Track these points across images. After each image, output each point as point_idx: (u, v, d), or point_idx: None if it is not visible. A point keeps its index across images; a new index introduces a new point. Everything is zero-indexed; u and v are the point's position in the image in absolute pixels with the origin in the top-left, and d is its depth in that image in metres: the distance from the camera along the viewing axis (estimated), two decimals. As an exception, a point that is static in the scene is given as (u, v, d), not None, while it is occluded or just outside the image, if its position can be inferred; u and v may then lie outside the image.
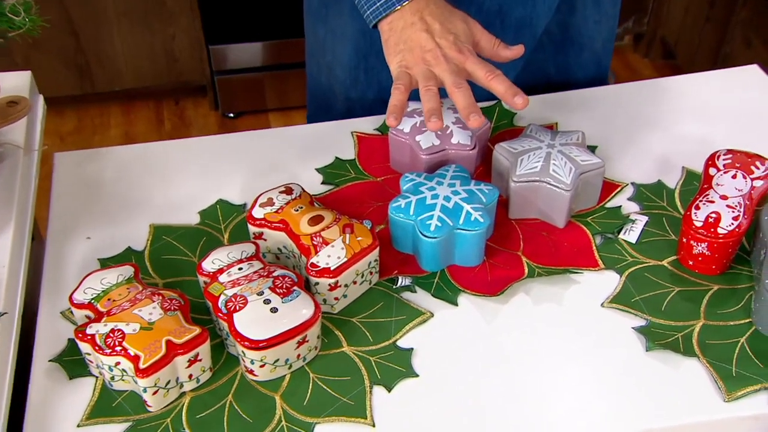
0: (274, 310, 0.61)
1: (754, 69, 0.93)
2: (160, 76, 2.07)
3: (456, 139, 0.78)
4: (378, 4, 0.74)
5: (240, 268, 0.64)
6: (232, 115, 2.11)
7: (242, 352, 0.61)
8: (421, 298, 0.70)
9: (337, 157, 0.83)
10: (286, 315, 0.61)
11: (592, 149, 0.83)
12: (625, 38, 2.38)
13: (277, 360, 0.61)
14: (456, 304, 0.69)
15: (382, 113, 0.89)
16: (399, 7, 0.73)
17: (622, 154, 0.83)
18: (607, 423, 0.60)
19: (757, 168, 0.71)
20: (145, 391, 0.59)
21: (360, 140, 0.86)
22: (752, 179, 0.70)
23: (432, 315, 0.68)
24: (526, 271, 0.72)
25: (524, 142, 0.77)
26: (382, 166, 0.83)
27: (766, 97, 0.89)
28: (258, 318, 0.60)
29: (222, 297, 0.62)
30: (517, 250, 0.74)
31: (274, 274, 0.64)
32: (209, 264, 0.65)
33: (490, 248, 0.74)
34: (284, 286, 0.63)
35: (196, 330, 0.60)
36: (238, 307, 0.61)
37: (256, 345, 0.60)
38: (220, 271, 0.64)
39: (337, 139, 0.86)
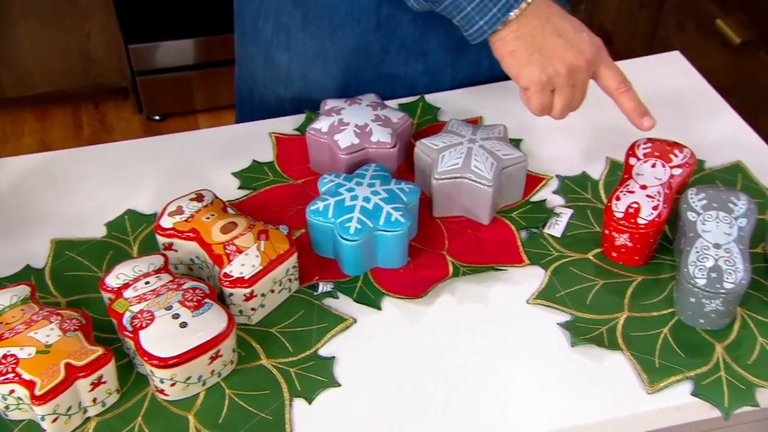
0: (183, 324, 0.58)
1: (675, 55, 0.94)
2: (76, 79, 1.98)
3: (376, 137, 0.76)
4: (493, 11, 0.66)
5: (147, 282, 0.61)
6: (158, 117, 2.05)
7: (151, 371, 0.57)
8: (343, 304, 0.67)
9: (254, 160, 0.80)
10: (196, 329, 0.58)
11: (516, 143, 0.82)
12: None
13: (189, 377, 0.58)
14: (380, 309, 0.67)
15: (301, 111, 0.87)
16: (517, 12, 0.66)
17: (547, 146, 0.82)
18: (532, 421, 0.59)
19: (676, 156, 0.71)
20: (43, 419, 0.55)
21: (279, 141, 0.83)
22: (671, 168, 0.70)
23: (355, 321, 0.66)
24: (451, 270, 0.70)
25: (445, 138, 0.75)
26: (302, 168, 0.80)
27: (687, 84, 0.89)
28: (166, 334, 0.57)
29: (127, 314, 0.58)
30: (441, 250, 0.72)
31: (184, 286, 0.61)
32: (113, 279, 0.61)
33: (415, 248, 0.72)
34: (195, 299, 0.59)
35: (99, 350, 0.56)
36: (144, 324, 0.57)
37: (164, 363, 0.56)
38: (126, 286, 0.60)
39: (255, 141, 0.82)
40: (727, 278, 0.60)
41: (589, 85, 0.70)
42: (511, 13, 0.66)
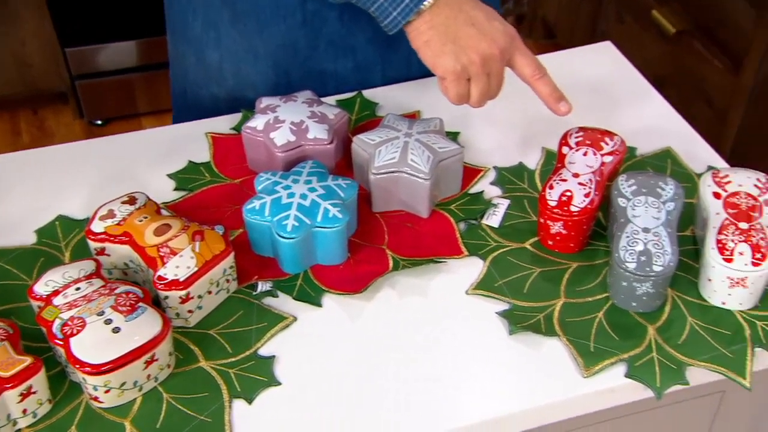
0: (116, 330, 0.57)
1: (607, 46, 0.95)
2: (12, 85, 1.92)
3: (312, 134, 0.75)
4: (406, 2, 0.66)
5: (78, 288, 0.59)
6: (100, 122, 2.01)
7: (83, 378, 0.56)
8: (283, 303, 0.67)
9: (190, 161, 0.79)
10: (130, 334, 0.57)
11: (454, 135, 0.83)
12: (507, 20, 2.42)
13: (123, 383, 0.57)
14: (320, 306, 0.67)
15: (238, 111, 0.86)
16: (430, 2, 0.66)
17: (484, 138, 0.83)
18: (474, 410, 0.59)
19: (607, 144, 0.72)
20: (-29, 433, 0.53)
21: (215, 141, 0.82)
22: (602, 155, 0.71)
23: (295, 319, 0.66)
24: (391, 264, 0.70)
25: (382, 133, 0.75)
26: (240, 167, 0.79)
27: (618, 73, 0.91)
28: (98, 340, 0.56)
29: (57, 321, 0.57)
30: (381, 244, 0.72)
31: (117, 291, 0.59)
32: (42, 287, 0.60)
33: (354, 244, 0.72)
34: (128, 304, 0.58)
35: (27, 360, 0.55)
36: (75, 331, 0.56)
37: (97, 369, 0.55)
38: (55, 293, 0.59)
39: (192, 141, 0.81)
40: (656, 261, 0.62)
41: (504, 74, 0.70)
42: (423, 4, 0.66)
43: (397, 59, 0.87)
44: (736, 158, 1.52)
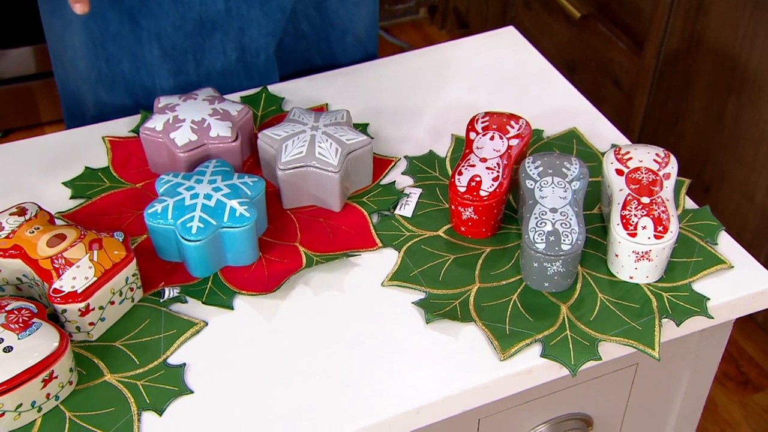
0: (8, 349, 0.53)
1: (510, 30, 0.96)
2: None
3: (215, 131, 0.73)
4: None
5: (-36, 308, 0.55)
6: (0, 134, 1.91)
7: (-26, 404, 0.52)
8: (192, 308, 0.64)
9: (87, 167, 0.75)
10: (23, 352, 0.53)
11: (363, 127, 0.82)
12: (420, 11, 2.42)
13: (19, 405, 0.54)
14: (231, 308, 0.65)
15: (137, 112, 0.83)
16: None
17: (393, 128, 0.82)
18: (395, 401, 0.58)
19: (512, 127, 0.72)
20: None
21: (113, 145, 0.78)
22: (508, 139, 0.71)
23: (206, 324, 0.63)
24: (305, 261, 0.68)
25: (287, 127, 0.73)
26: (142, 171, 0.76)
27: (522, 57, 0.92)
28: (-11, 362, 0.52)
29: (-58, 345, 0.53)
30: (294, 242, 0.70)
31: (7, 308, 0.56)
32: (-77, 309, 0.55)
33: (266, 243, 0.70)
34: (20, 321, 0.55)
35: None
36: (-38, 354, 0.52)
37: (-11, 394, 0.52)
38: (-61, 315, 0.55)
39: (88, 146, 0.78)
40: (564, 240, 0.62)
41: None
42: None
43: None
44: (646, 138, 1.57)
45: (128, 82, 0.82)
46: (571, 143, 0.79)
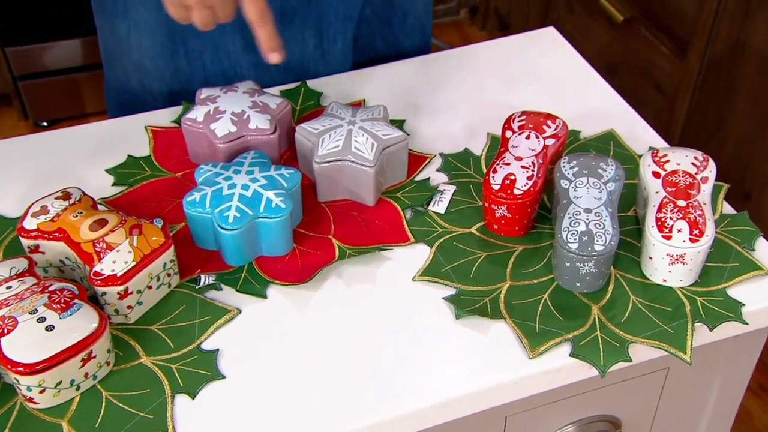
0: (50, 328, 0.55)
1: (550, 31, 0.96)
2: (-46, 87, 1.88)
3: (254, 123, 0.74)
4: None
5: (9, 287, 0.57)
6: (45, 123, 1.96)
7: (16, 379, 0.54)
8: (227, 296, 0.66)
9: (129, 156, 0.77)
10: (64, 331, 0.55)
11: (399, 123, 0.82)
12: (461, 12, 2.42)
13: (59, 383, 0.55)
14: (265, 297, 0.66)
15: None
16: None
17: (429, 125, 0.83)
18: (423, 394, 0.59)
19: (549, 127, 0.72)
20: None
21: (155, 135, 0.80)
22: (544, 138, 0.71)
23: (239, 311, 0.65)
24: (337, 253, 0.69)
25: (325, 121, 0.74)
26: (182, 161, 0.78)
27: (561, 58, 0.91)
28: (31, 339, 0.54)
29: (-13, 321, 0.55)
30: (327, 234, 0.71)
31: (50, 288, 0.58)
32: (-29, 287, 0.58)
33: (300, 234, 0.71)
34: (62, 301, 0.57)
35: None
36: (6, 331, 0.54)
37: (30, 369, 0.53)
38: (-15, 293, 0.57)
39: (131, 135, 0.80)
40: (598, 241, 0.62)
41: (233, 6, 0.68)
42: None
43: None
44: (687, 143, 1.54)
45: (209, 74, 0.84)
46: (608, 145, 0.79)
